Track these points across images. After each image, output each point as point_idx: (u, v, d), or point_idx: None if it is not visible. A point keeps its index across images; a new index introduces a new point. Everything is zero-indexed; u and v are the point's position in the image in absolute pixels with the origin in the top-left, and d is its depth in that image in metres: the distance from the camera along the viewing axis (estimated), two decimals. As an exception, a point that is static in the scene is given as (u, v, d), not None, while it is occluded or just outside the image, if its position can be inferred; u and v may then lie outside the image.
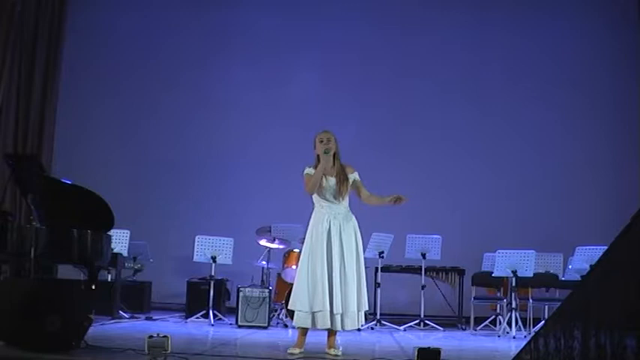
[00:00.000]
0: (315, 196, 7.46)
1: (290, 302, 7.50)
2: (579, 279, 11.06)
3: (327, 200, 7.40)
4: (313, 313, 7.17)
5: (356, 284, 7.27)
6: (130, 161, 14.49)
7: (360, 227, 10.92)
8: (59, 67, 14.23)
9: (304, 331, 7.36)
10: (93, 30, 14.77)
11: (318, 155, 7.41)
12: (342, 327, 7.22)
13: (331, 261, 7.20)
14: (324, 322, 7.14)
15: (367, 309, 7.54)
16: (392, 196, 7.52)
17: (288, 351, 7.27)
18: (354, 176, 7.53)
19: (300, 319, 7.29)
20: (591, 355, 3.17)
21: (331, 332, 7.34)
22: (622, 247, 3.28)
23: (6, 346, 6.34)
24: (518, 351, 4.72)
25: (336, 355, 7.21)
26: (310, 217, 7.51)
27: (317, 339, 7.58)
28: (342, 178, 7.42)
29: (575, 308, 3.63)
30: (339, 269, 7.19)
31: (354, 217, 7.51)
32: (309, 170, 7.43)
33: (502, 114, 14.49)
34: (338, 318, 7.15)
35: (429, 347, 5.91)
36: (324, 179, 7.36)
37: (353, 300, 7.21)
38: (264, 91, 14.61)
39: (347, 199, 7.50)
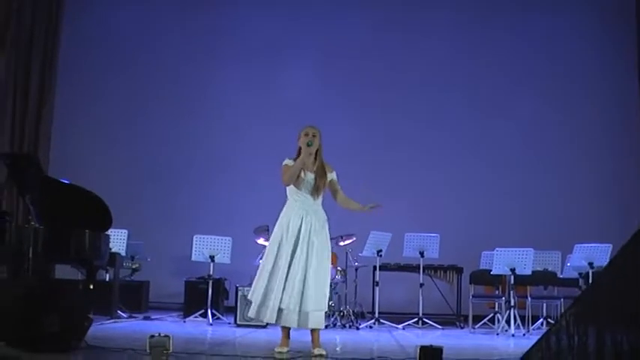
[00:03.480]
0: (290, 189, 7.39)
1: (250, 292, 7.44)
2: (578, 277, 11.11)
3: (302, 195, 7.35)
4: (266, 307, 7.13)
5: (322, 284, 7.21)
6: (127, 161, 14.46)
7: (357, 226, 11.02)
8: (55, 66, 14.20)
9: (286, 329, 7.30)
10: (89, 30, 14.75)
11: (299, 148, 7.37)
12: (299, 324, 7.14)
13: (293, 257, 7.15)
14: (271, 316, 7.09)
15: (326, 310, 7.39)
16: (370, 205, 7.47)
17: (276, 350, 7.22)
18: (331, 175, 7.49)
19: (253, 311, 7.27)
20: (607, 352, 3.16)
21: (313, 331, 7.27)
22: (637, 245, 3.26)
23: (6, 346, 6.31)
24: (528, 348, 4.70)
25: (320, 355, 7.13)
26: (282, 210, 7.46)
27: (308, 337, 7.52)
28: (321, 174, 7.38)
29: (590, 306, 3.61)
30: (301, 266, 7.12)
31: (325, 216, 7.45)
32: (288, 161, 7.38)
33: (500, 112, 14.45)
34: (289, 315, 7.06)
35: (431, 345, 5.90)
36: (302, 173, 7.31)
37: (315, 299, 7.11)
38: (260, 89, 14.61)
39: (322, 197, 7.45)
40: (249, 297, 7.51)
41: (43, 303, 6.38)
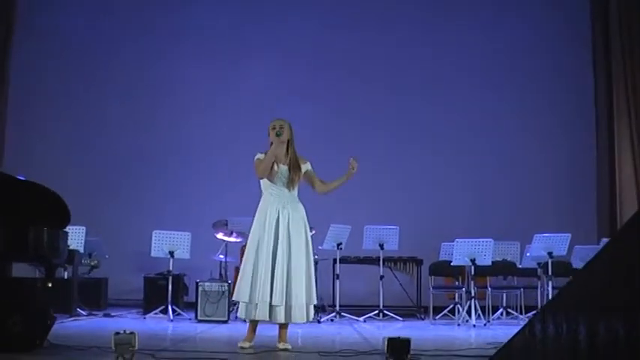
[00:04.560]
0: (264, 182, 7.38)
1: (234, 292, 7.40)
2: (537, 267, 11.21)
3: (277, 187, 7.33)
4: (255, 304, 7.08)
5: (305, 276, 7.20)
6: (84, 157, 14.31)
7: (317, 219, 11.01)
8: (8, 60, 13.98)
9: (254, 323, 7.28)
10: (42, 30, 14.54)
11: (271, 143, 7.33)
12: (285, 319, 7.14)
13: (276, 251, 7.14)
14: (263, 313, 7.06)
15: (315, 303, 7.44)
16: (348, 171, 7.56)
17: (239, 345, 7.18)
18: (306, 167, 7.51)
19: (243, 311, 7.24)
20: (601, 339, 3.16)
21: (282, 326, 7.27)
22: (632, 230, 3.27)
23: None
24: (511, 337, 4.68)
25: (285, 350, 7.14)
26: (258, 205, 7.42)
27: (274, 332, 7.49)
28: (294, 166, 7.38)
29: (580, 294, 3.61)
30: (284, 260, 7.12)
31: (302, 208, 7.44)
32: (260, 155, 7.35)
33: (457, 105, 14.58)
34: (278, 310, 7.07)
35: (398, 337, 5.88)
36: (275, 166, 7.30)
37: (301, 292, 7.13)
38: (219, 86, 14.56)
39: (297, 188, 7.44)
40: (234, 298, 7.52)
41: (5, 302, 6.28)
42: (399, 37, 14.76)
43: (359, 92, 14.61)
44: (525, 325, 4.35)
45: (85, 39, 14.66)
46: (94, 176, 14.17)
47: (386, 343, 5.84)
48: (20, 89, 14.23)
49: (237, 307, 7.55)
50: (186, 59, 14.69)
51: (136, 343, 5.68)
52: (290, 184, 7.36)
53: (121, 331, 5.69)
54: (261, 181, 7.42)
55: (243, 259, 7.40)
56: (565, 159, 14.34)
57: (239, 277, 7.32)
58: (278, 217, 7.24)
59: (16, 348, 6.07)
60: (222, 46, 14.72)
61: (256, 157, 7.39)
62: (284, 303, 7.07)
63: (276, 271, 7.08)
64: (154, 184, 14.21)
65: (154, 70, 14.63)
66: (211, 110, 14.43)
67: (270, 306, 7.05)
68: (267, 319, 7.11)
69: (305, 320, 7.31)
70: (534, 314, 4.55)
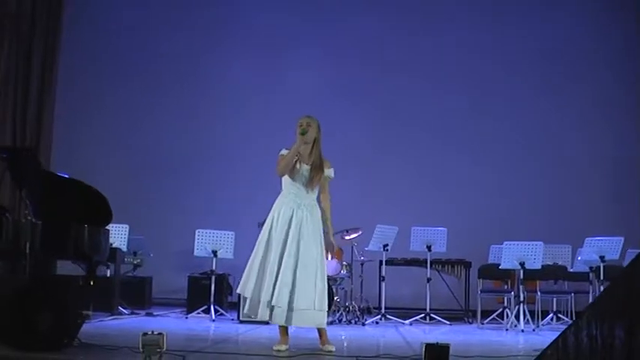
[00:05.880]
0: (285, 180, 7.21)
1: (240, 285, 7.21)
2: (588, 271, 10.91)
3: (296, 187, 7.15)
4: (258, 302, 6.94)
5: (320, 282, 6.99)
6: (129, 155, 14.34)
7: (364, 219, 10.85)
8: (57, 60, 14.05)
9: (283, 326, 7.08)
10: (90, 24, 14.64)
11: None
12: (286, 322, 6.95)
13: (284, 251, 6.94)
14: (263, 313, 6.92)
15: (323, 308, 7.12)
16: (330, 238, 7.41)
17: (274, 348, 6.98)
18: (328, 172, 7.27)
19: (250, 308, 7.07)
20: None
21: (319, 328, 7.09)
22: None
23: (-3, 344, 6.13)
24: (542, 350, 4.45)
25: (330, 351, 6.95)
26: (275, 201, 7.25)
27: (313, 334, 7.33)
28: (316, 167, 7.17)
29: (618, 303, 3.36)
30: (292, 261, 6.90)
31: (319, 211, 7.22)
32: (283, 152, 7.19)
33: (507, 107, 14.40)
34: (279, 312, 6.87)
35: (437, 343, 5.65)
36: (297, 165, 7.13)
37: (312, 297, 6.92)
38: (265, 86, 14.51)
39: (317, 190, 7.24)
40: (238, 291, 7.37)
41: (37, 300, 6.19)
42: (449, 38, 14.56)
43: (405, 92, 14.48)
44: (558, 337, 4.07)
45: (132, 39, 14.66)
46: (140, 174, 14.19)
47: (423, 349, 5.61)
48: (68, 89, 14.27)
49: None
50: (231, 58, 14.66)
51: (164, 344, 5.54)
52: (309, 184, 7.16)
53: (149, 332, 5.56)
54: (282, 177, 7.24)
55: (252, 253, 7.20)
56: (617, 160, 14.02)
57: (246, 271, 7.14)
58: (291, 215, 7.05)
59: (44, 346, 5.96)
60: (266, 45, 14.65)
61: (280, 152, 7.23)
62: (286, 305, 6.87)
63: (281, 271, 6.88)
64: (198, 182, 14.16)
65: (199, 69, 14.63)
66: (258, 108, 14.35)
67: (271, 307, 6.88)
68: (266, 319, 6.99)
69: (314, 326, 7.10)
70: (568, 325, 4.26)
